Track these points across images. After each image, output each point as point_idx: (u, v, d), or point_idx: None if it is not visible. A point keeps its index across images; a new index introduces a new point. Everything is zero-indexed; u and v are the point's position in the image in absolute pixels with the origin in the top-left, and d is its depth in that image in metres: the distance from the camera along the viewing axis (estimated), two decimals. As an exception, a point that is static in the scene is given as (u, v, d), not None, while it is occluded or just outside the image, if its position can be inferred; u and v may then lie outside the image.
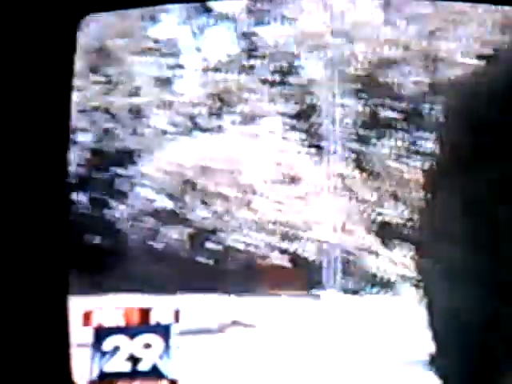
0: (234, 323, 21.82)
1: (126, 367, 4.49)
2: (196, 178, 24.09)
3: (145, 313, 4.46)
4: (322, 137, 27.84)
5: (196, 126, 26.03)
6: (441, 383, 9.05)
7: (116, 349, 4.44)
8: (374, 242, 26.36)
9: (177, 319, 4.48)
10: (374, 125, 28.22)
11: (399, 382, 11.28)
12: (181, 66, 27.07)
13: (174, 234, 23.18)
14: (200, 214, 23.43)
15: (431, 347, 9.29)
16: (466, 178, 9.06)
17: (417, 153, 25.99)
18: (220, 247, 24.16)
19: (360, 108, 27.97)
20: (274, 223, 25.26)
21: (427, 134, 22.16)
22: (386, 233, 26.15)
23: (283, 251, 25.29)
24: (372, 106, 28.04)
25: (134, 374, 4.50)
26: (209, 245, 23.50)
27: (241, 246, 24.54)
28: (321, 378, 11.21)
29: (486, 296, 8.38)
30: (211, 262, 20.75)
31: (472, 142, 9.22)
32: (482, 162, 8.92)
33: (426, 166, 12.16)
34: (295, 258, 25.67)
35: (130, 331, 4.40)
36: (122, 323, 4.52)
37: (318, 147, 27.98)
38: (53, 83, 3.96)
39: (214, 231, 24.19)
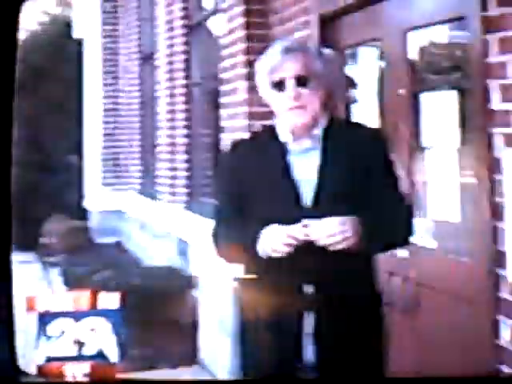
0: None
1: (72, 351, 4.03)
2: None
3: (93, 297, 4.03)
4: None
5: None
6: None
7: (61, 333, 3.97)
8: None
9: (123, 303, 4.11)
10: None
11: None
12: None
13: None
14: None
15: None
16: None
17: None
18: None
19: None
20: None
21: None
22: None
23: None
24: None
25: (80, 357, 4.06)
26: None
27: None
28: None
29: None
30: None
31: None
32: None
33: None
34: None
35: (75, 315, 3.93)
36: (69, 307, 4.04)
37: None
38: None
39: None
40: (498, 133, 3.11)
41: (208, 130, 6.94)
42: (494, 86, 3.12)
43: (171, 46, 7.72)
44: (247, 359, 2.77)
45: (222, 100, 5.89)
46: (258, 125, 5.19)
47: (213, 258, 2.85)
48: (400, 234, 2.73)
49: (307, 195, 2.62)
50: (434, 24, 3.57)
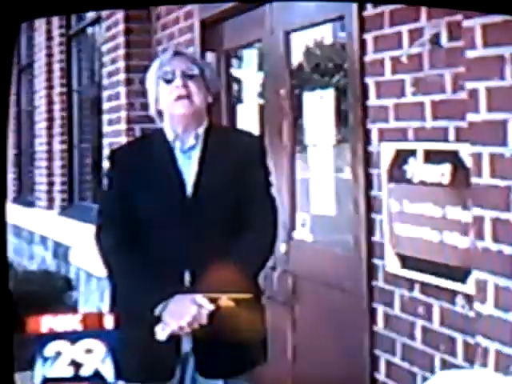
0: None
1: (69, 372, 3.67)
2: None
3: (99, 318, 3.69)
4: None
5: None
6: None
7: (58, 354, 3.62)
8: None
9: (117, 324, 3.76)
10: None
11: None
12: None
13: None
14: None
15: None
16: None
17: None
18: None
19: None
20: None
21: None
22: None
23: None
24: None
25: (77, 379, 3.71)
26: None
27: None
28: None
29: None
30: None
31: None
32: None
33: None
34: None
35: (71, 336, 3.60)
36: (76, 328, 3.71)
37: None
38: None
39: None
40: (374, 128, 3.20)
41: (88, 135, 6.92)
42: (370, 83, 3.23)
43: (50, 55, 7.64)
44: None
45: (104, 106, 5.81)
46: (138, 128, 5.18)
47: (92, 259, 2.80)
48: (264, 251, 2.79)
49: (189, 190, 2.71)
50: (316, 25, 3.64)
